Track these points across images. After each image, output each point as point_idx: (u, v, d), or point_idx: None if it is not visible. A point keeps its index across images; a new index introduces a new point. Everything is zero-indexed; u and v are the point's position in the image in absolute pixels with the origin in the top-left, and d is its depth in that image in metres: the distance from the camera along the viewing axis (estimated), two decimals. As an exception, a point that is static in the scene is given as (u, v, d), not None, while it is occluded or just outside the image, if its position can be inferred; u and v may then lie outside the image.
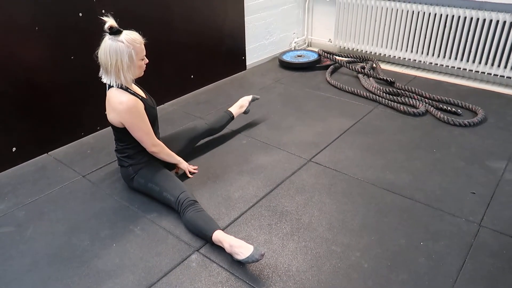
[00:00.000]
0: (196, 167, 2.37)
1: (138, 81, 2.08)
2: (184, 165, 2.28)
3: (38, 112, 2.47)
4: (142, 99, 2.00)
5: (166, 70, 3.15)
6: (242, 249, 1.67)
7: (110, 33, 1.82)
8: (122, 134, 2.02)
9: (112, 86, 1.92)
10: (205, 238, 1.83)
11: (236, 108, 2.70)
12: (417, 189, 2.17)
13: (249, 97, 2.78)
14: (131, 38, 1.84)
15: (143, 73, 1.99)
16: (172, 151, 2.25)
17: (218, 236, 1.77)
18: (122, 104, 1.90)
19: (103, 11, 2.58)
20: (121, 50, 1.83)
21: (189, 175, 2.29)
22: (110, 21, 1.81)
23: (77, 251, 1.82)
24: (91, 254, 1.80)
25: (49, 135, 2.57)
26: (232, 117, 2.66)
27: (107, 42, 1.83)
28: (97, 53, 1.87)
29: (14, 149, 2.42)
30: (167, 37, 3.07)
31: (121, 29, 1.85)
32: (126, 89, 1.93)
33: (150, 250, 1.81)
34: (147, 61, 1.97)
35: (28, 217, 2.03)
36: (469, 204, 2.06)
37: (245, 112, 2.76)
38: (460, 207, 2.04)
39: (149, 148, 2.05)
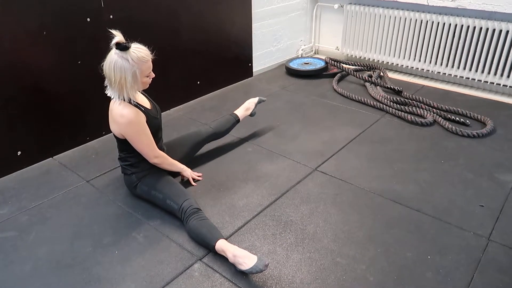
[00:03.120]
0: (200, 174, 2.35)
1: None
2: (187, 172, 2.26)
3: (44, 116, 2.47)
4: (145, 110, 1.98)
5: (172, 76, 3.15)
6: (245, 259, 1.65)
7: (117, 49, 1.79)
8: (124, 144, 2.01)
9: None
10: (208, 247, 1.81)
11: (242, 111, 2.65)
12: (424, 201, 2.14)
13: (255, 99, 2.71)
14: (138, 56, 1.80)
15: (148, 85, 1.97)
16: (177, 156, 2.24)
17: (221, 245, 1.75)
18: (123, 118, 1.88)
19: (111, 16, 2.58)
20: (126, 69, 1.80)
21: (193, 183, 2.27)
22: (117, 37, 1.78)
23: (79, 257, 1.80)
24: (93, 261, 1.78)
25: (54, 139, 2.57)
26: (237, 120, 2.61)
27: (113, 56, 1.80)
28: (103, 65, 1.85)
29: (19, 153, 2.42)
30: (174, 43, 3.07)
31: (129, 45, 1.80)
32: (129, 101, 1.91)
33: (153, 258, 1.79)
34: (153, 75, 1.94)
35: (31, 222, 2.02)
36: (477, 217, 2.02)
37: (251, 115, 2.69)
38: (469, 221, 2.00)
39: (151, 159, 2.03)
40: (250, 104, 2.68)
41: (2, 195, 2.22)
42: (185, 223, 1.89)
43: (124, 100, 1.89)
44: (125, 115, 1.88)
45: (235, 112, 2.64)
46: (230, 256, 1.71)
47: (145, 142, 1.97)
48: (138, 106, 1.95)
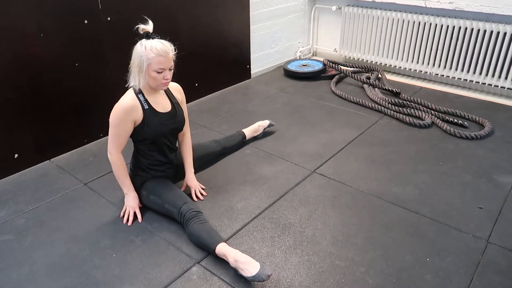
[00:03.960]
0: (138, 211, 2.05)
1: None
2: (129, 202, 2.02)
3: (41, 118, 2.45)
4: (149, 109, 1.92)
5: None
6: (247, 266, 1.63)
7: (142, 34, 1.84)
8: (134, 141, 2.00)
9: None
10: (208, 251, 1.80)
11: (250, 132, 2.73)
12: (423, 203, 2.14)
13: (266, 124, 2.78)
14: (152, 45, 1.79)
15: (163, 86, 1.90)
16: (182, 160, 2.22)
17: (222, 249, 1.73)
18: (119, 102, 1.88)
19: (109, 18, 2.58)
20: (137, 52, 1.82)
21: (133, 215, 2.02)
22: (147, 26, 1.83)
23: (76, 261, 1.79)
24: (90, 264, 1.77)
25: (52, 141, 2.55)
26: (244, 138, 2.68)
27: (138, 42, 1.84)
28: None
29: (16, 155, 2.40)
30: (172, 45, 3.06)
31: (153, 35, 1.83)
32: (137, 91, 1.90)
33: (150, 262, 1.78)
34: (167, 76, 1.86)
35: (28, 225, 2.00)
36: (476, 219, 2.02)
37: (257, 137, 2.80)
38: (467, 223, 1.99)
39: (108, 152, 1.96)
40: (259, 127, 2.78)
41: (-1, 198, 2.21)
42: (185, 226, 1.88)
43: (139, 88, 1.90)
44: (121, 100, 1.88)
45: (244, 130, 2.71)
46: (231, 261, 1.69)
47: (113, 134, 1.90)
48: (142, 101, 1.91)
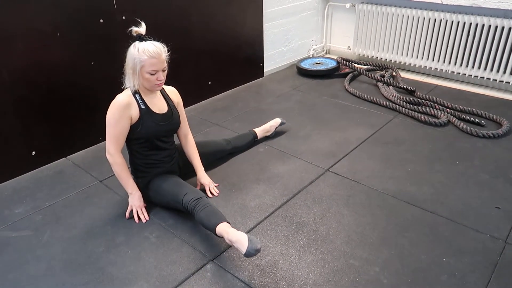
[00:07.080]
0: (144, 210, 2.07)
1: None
2: (134, 201, 2.03)
3: (58, 116, 2.49)
4: (146, 109, 1.93)
5: (184, 76, 3.16)
6: (239, 244, 1.63)
7: (136, 38, 1.85)
8: (127, 141, 2.00)
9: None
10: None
11: (261, 132, 2.72)
12: (439, 203, 2.11)
13: (277, 123, 2.76)
14: (144, 48, 1.80)
15: (157, 87, 1.92)
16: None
17: (220, 232, 1.74)
18: (114, 100, 1.90)
19: (124, 17, 2.60)
20: (131, 55, 1.84)
21: (137, 216, 2.03)
22: (139, 28, 1.85)
23: (92, 257, 1.81)
24: (106, 260, 1.79)
25: (68, 139, 2.59)
26: (255, 137, 2.68)
27: (132, 44, 1.86)
28: None
29: (33, 153, 2.44)
30: (186, 43, 3.08)
31: (146, 37, 1.84)
32: (133, 91, 1.92)
33: (165, 259, 1.80)
34: (161, 77, 1.87)
35: (45, 222, 2.04)
36: (494, 219, 1.98)
37: (269, 136, 2.79)
38: (485, 223, 1.96)
39: (106, 152, 1.97)
40: (271, 127, 2.76)
41: (17, 194, 2.25)
42: (194, 217, 1.88)
43: (135, 89, 1.92)
44: (116, 98, 1.90)
45: (255, 130, 2.70)
46: (227, 242, 1.71)
47: (110, 132, 1.92)
48: (139, 100, 1.92)
